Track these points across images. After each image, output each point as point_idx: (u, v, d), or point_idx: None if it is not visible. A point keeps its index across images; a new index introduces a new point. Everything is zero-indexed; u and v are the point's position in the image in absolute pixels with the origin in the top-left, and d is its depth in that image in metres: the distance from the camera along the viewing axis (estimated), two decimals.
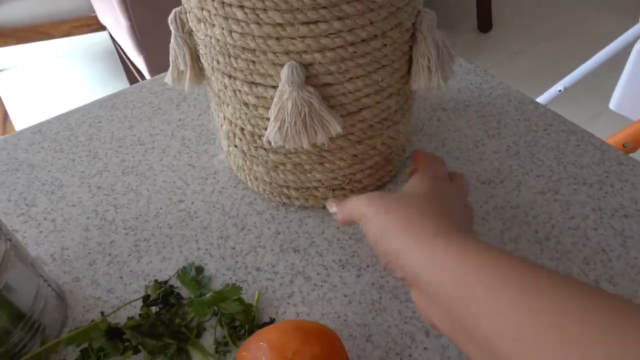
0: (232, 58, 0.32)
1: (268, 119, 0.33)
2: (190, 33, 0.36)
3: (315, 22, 0.29)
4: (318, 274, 0.36)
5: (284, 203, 0.41)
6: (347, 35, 0.30)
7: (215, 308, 0.34)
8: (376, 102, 0.35)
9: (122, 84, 1.73)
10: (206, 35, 0.33)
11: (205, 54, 0.35)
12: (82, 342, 0.34)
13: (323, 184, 0.39)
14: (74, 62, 1.96)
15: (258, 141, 0.37)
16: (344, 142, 0.36)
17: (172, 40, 0.37)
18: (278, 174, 0.38)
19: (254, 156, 0.38)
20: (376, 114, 0.35)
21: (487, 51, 1.79)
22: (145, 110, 0.52)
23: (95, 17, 1.59)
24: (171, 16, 0.36)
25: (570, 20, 1.88)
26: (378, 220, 0.27)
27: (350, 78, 0.32)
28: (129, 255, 0.39)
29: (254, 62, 0.32)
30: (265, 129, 0.34)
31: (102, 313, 0.35)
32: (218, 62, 0.34)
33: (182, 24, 0.36)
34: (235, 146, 0.39)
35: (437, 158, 0.35)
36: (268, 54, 0.31)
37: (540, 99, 1.08)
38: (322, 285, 0.36)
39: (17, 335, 0.31)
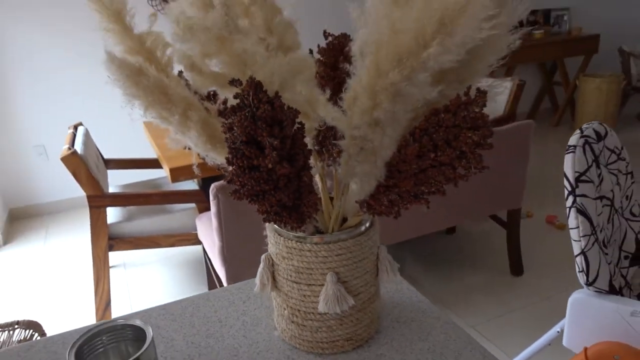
0: (298, 273, 0.70)
1: (317, 302, 0.69)
2: (272, 264, 0.74)
3: (339, 255, 0.68)
4: None
5: (320, 353, 0.73)
6: (354, 263, 0.69)
7: None
8: (366, 288, 0.72)
9: (203, 287, 2.35)
10: (286, 265, 0.71)
11: (282, 272, 0.72)
12: None
13: (342, 338, 0.73)
14: (169, 266, 2.58)
15: (309, 316, 0.72)
16: (352, 310, 0.72)
17: (260, 268, 0.74)
18: (318, 334, 0.72)
19: (304, 326, 0.73)
20: (366, 295, 0.73)
21: (519, 293, 2.13)
22: (224, 302, 0.85)
23: (196, 234, 2.16)
24: (263, 256, 0.74)
25: None
26: None
27: (356, 278, 0.70)
28: None
29: (310, 274, 0.69)
30: (314, 308, 0.70)
31: None
32: (292, 276, 0.71)
33: (269, 260, 0.74)
34: (293, 322, 0.74)
35: None
36: (318, 270, 0.69)
37: (543, 339, 1.34)
38: None
39: None
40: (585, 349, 0.98)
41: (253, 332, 0.79)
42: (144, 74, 0.56)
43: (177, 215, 2.24)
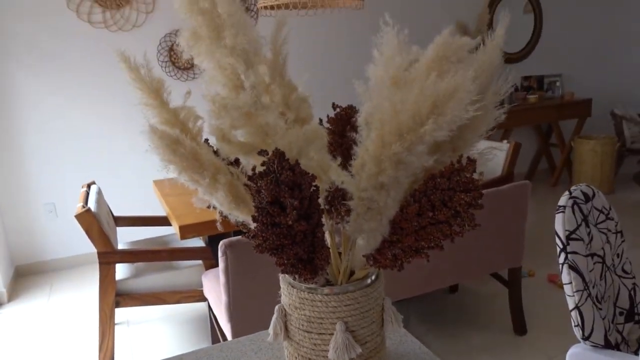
0: (310, 322, 0.76)
1: (327, 350, 0.74)
2: (285, 314, 0.79)
3: (348, 305, 0.75)
4: None
5: None
6: (361, 314, 0.75)
7: None
8: (372, 338, 0.78)
9: (206, 344, 2.36)
10: (298, 315, 0.77)
11: (295, 322, 0.78)
12: None
13: None
14: (172, 323, 2.62)
15: None
16: (359, 359, 0.77)
17: (274, 318, 0.80)
18: None
19: None
20: (372, 344, 0.78)
21: (523, 353, 2.14)
22: (237, 353, 0.90)
23: (201, 291, 2.22)
24: (277, 307, 0.80)
25: None
26: None
27: (363, 327, 0.76)
28: None
29: (321, 323, 0.75)
30: (324, 356, 0.75)
31: None
32: (303, 325, 0.76)
33: (282, 311, 0.80)
34: None
35: None
36: (328, 319, 0.75)
37: None
38: None
39: None
40: None
41: None
42: (180, 143, 0.65)
43: (184, 272, 2.28)
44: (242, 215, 0.70)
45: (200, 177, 0.65)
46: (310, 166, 0.70)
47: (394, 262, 0.70)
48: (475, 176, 0.63)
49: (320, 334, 0.76)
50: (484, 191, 2.11)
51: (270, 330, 0.80)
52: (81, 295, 3.01)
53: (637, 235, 3.36)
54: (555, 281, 2.78)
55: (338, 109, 0.85)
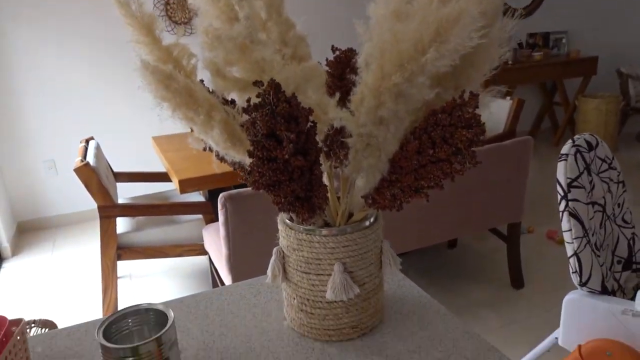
0: (308, 264, 0.76)
1: (325, 291, 0.75)
2: (283, 256, 0.79)
3: (346, 247, 0.74)
4: None
5: (327, 340, 0.79)
6: (359, 255, 0.75)
7: None
8: (371, 279, 0.78)
9: None
10: (297, 256, 0.77)
11: (293, 263, 0.78)
12: None
13: (348, 325, 0.78)
14: (174, 277, 2.66)
15: (317, 304, 0.77)
16: (357, 299, 0.77)
17: (272, 260, 0.80)
18: (326, 322, 0.78)
19: (313, 314, 0.78)
20: (371, 286, 0.78)
21: (520, 306, 2.18)
22: (236, 296, 0.90)
23: (202, 245, 2.24)
24: (275, 249, 0.80)
25: None
26: None
27: (361, 269, 0.76)
28: None
29: (319, 264, 0.75)
30: (322, 297, 0.75)
31: None
32: (301, 266, 0.76)
33: (280, 253, 0.79)
34: (302, 311, 0.79)
35: None
36: (327, 260, 0.74)
37: (541, 346, 1.38)
38: None
39: None
40: (579, 347, 1.02)
41: (264, 323, 0.85)
42: (173, 78, 0.63)
43: (185, 226, 2.30)
44: (239, 155, 0.69)
45: (195, 114, 0.64)
46: (309, 105, 0.68)
47: (392, 202, 0.69)
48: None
49: (319, 274, 0.76)
50: (485, 147, 2.09)
51: (269, 272, 0.80)
52: (84, 249, 3.05)
53: (637, 194, 3.36)
54: (553, 237, 2.80)
55: (337, 52, 0.83)
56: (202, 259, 2.80)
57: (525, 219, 3.07)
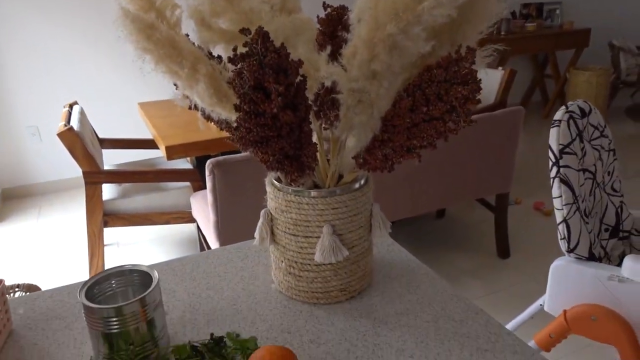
0: (296, 226, 0.74)
1: (313, 254, 0.73)
2: (271, 219, 0.78)
3: (336, 209, 0.73)
4: (314, 333, 0.72)
5: (315, 303, 0.78)
6: (349, 217, 0.74)
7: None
8: (360, 242, 0.77)
9: None
10: (285, 218, 0.75)
11: (281, 226, 0.76)
12: (178, 354, 0.66)
13: (336, 288, 0.77)
14: (162, 245, 2.63)
15: (305, 267, 0.76)
16: (346, 263, 0.76)
17: (260, 222, 0.78)
18: (314, 285, 0.77)
19: (301, 277, 0.77)
20: (360, 249, 0.77)
21: (506, 274, 2.21)
22: (223, 260, 0.89)
23: (190, 213, 2.20)
24: (263, 211, 0.78)
25: None
26: None
27: (350, 231, 0.74)
28: (207, 322, 0.72)
29: (307, 226, 0.74)
30: (310, 259, 0.74)
31: (189, 341, 0.67)
32: (289, 228, 0.75)
33: (268, 215, 0.78)
34: (290, 274, 0.78)
35: None
36: (316, 223, 0.73)
37: (526, 312, 1.40)
38: (316, 338, 0.71)
39: (148, 344, 0.64)
40: (565, 312, 1.03)
41: (251, 286, 0.84)
42: (155, 28, 0.59)
43: (172, 194, 2.27)
44: (225, 112, 0.66)
45: (179, 67, 0.60)
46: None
47: (384, 163, 0.67)
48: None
49: (307, 237, 0.74)
50: (475, 117, 2.07)
51: (256, 234, 0.79)
52: (70, 217, 3.01)
53: (626, 168, 3.39)
54: (540, 208, 2.82)
55: (329, 9, 0.79)
56: (191, 227, 2.79)
57: (513, 191, 3.08)
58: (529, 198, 2.97)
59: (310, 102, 0.73)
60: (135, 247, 2.62)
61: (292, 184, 0.72)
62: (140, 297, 0.64)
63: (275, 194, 0.75)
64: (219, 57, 0.74)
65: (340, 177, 0.77)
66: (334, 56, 0.63)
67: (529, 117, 4.73)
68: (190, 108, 0.74)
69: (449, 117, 0.60)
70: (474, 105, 0.58)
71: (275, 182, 0.76)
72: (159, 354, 0.67)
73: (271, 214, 0.78)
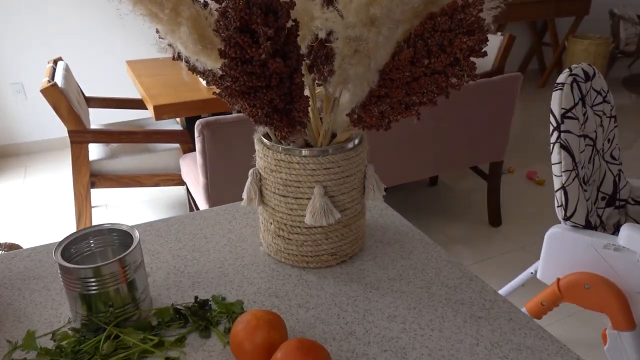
0: (286, 186, 0.70)
1: (303, 216, 0.70)
2: (260, 178, 0.74)
3: (328, 169, 0.69)
4: (303, 297, 0.70)
5: (304, 267, 0.75)
6: (342, 178, 0.70)
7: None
8: (352, 205, 0.73)
9: None
10: (274, 178, 0.71)
11: (270, 186, 0.72)
12: (160, 316, 0.64)
13: (327, 252, 0.74)
14: (151, 208, 2.58)
15: (295, 229, 0.73)
16: (338, 226, 0.73)
17: (248, 182, 0.74)
18: (304, 248, 0.74)
19: (290, 239, 0.74)
20: (352, 212, 0.74)
21: (497, 242, 2.20)
22: (210, 221, 0.86)
23: (179, 175, 2.16)
24: (251, 171, 0.74)
25: None
26: None
27: (343, 193, 0.71)
28: (191, 285, 0.70)
29: (298, 187, 0.70)
30: (300, 222, 0.71)
31: (172, 304, 0.65)
32: (279, 189, 0.71)
33: (256, 175, 0.74)
34: (279, 236, 0.75)
35: None
36: (307, 183, 0.69)
37: (517, 280, 1.42)
38: (304, 302, 0.69)
39: (129, 306, 0.61)
40: (558, 280, 1.02)
41: (239, 248, 0.81)
42: None
43: (161, 155, 2.22)
44: (211, 62, 0.61)
45: (159, 9, 0.55)
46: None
47: (380, 121, 0.63)
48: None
49: (297, 198, 0.71)
50: (472, 82, 2.02)
51: (244, 195, 0.75)
52: (58, 177, 2.96)
53: (621, 138, 3.37)
54: (533, 177, 2.80)
55: None
56: (181, 189, 2.74)
57: (506, 160, 3.06)
58: (522, 168, 2.96)
59: (303, 54, 0.68)
60: (124, 209, 2.58)
61: (283, 141, 0.68)
62: (119, 257, 0.60)
63: (264, 152, 0.71)
64: (205, 3, 0.68)
65: (334, 136, 0.73)
66: (330, 1, 0.58)
67: (525, 85, 4.67)
68: (174, 58, 0.69)
69: (452, 71, 0.55)
70: (479, 58, 0.54)
71: (265, 140, 0.71)
72: (140, 316, 0.65)
73: (260, 173, 0.74)
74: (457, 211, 2.50)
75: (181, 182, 2.19)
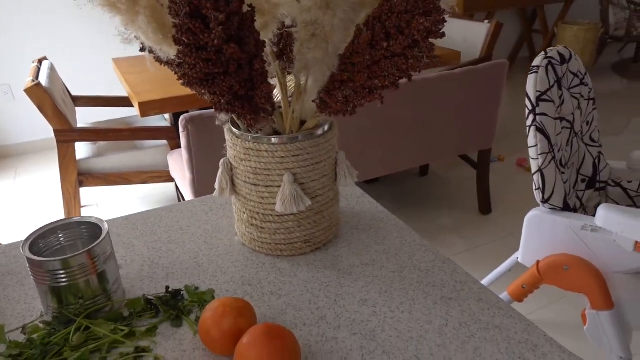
0: (256, 175, 0.70)
1: (275, 204, 0.70)
2: (231, 168, 0.74)
3: (297, 156, 0.69)
4: (275, 285, 0.70)
5: (278, 255, 0.75)
6: (311, 165, 0.70)
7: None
8: (324, 192, 0.74)
9: None
10: (244, 167, 0.71)
11: (241, 175, 0.72)
12: (132, 307, 0.64)
13: (300, 240, 0.74)
14: (141, 206, 2.59)
15: (267, 218, 0.73)
16: (310, 213, 0.73)
17: (219, 172, 0.75)
18: (277, 236, 0.74)
19: (263, 228, 0.74)
20: (324, 199, 0.74)
21: (487, 230, 2.21)
22: (187, 213, 0.86)
23: (168, 172, 2.16)
24: (222, 161, 0.74)
25: None
26: None
27: (313, 180, 0.71)
28: (165, 276, 0.70)
29: (268, 175, 0.70)
30: (272, 210, 0.71)
31: (144, 294, 0.65)
32: (250, 178, 0.71)
33: (227, 165, 0.74)
34: (252, 225, 0.75)
35: None
36: (277, 171, 0.69)
37: (503, 266, 1.41)
38: (277, 289, 0.69)
39: (100, 297, 0.61)
40: (537, 262, 1.03)
41: (214, 239, 0.81)
42: None
43: (149, 152, 2.21)
44: (172, 51, 0.61)
45: None
46: None
47: (345, 106, 0.63)
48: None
49: (268, 186, 0.71)
50: (458, 70, 2.02)
51: (216, 185, 0.75)
52: (48, 177, 2.95)
53: (610, 123, 3.38)
54: (523, 165, 2.81)
55: None
56: (172, 187, 2.74)
57: (496, 148, 3.07)
58: (512, 156, 2.96)
59: (271, 43, 0.67)
60: (115, 207, 2.58)
61: (250, 129, 0.68)
62: (87, 248, 0.60)
63: (233, 141, 0.71)
64: None
65: (303, 123, 0.73)
66: None
67: (516, 73, 4.67)
68: (141, 50, 0.69)
69: (411, 53, 0.55)
70: (437, 38, 0.54)
71: (234, 129, 0.71)
72: (112, 307, 0.65)
73: (230, 163, 0.74)
74: (448, 200, 2.51)
75: (170, 179, 2.19)
